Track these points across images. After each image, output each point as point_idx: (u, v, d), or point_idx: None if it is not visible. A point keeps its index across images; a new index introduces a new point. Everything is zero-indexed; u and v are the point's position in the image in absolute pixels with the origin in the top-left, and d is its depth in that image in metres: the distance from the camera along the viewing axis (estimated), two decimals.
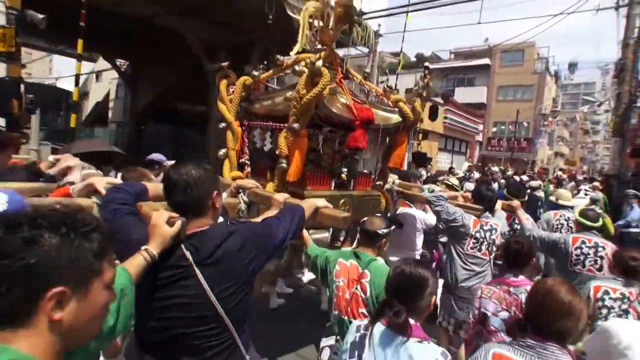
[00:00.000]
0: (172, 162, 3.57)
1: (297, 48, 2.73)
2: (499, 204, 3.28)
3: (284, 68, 2.82)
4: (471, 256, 3.07)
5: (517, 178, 11.27)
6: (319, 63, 2.42)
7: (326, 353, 2.12)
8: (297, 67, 2.64)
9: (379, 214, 2.86)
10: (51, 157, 2.43)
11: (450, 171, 10.11)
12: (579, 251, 3.02)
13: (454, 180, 4.90)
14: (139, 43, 19.62)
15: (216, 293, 1.29)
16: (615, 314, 2.18)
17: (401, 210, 3.65)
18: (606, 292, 2.24)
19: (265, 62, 17.84)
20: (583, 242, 3.03)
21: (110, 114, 28.58)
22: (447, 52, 31.08)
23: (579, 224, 3.24)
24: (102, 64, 25.60)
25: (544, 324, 1.34)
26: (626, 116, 10.56)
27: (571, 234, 3.26)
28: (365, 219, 2.34)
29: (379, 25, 13.93)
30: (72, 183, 2.11)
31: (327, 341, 2.15)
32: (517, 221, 3.53)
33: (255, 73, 2.83)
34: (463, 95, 25.97)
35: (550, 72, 28.95)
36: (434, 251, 4.22)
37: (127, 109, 25.01)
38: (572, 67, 32.96)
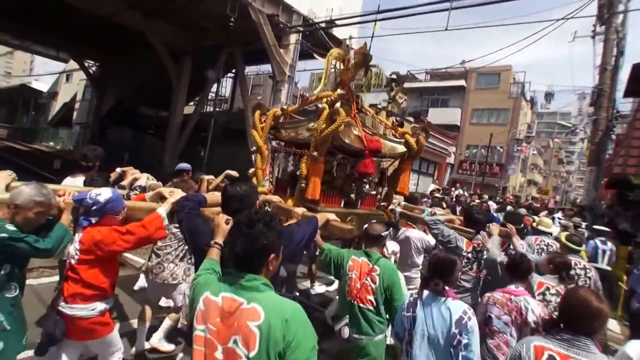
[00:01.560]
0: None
1: (320, 87, 3.39)
2: (496, 229, 3.76)
3: (308, 103, 3.44)
4: (463, 273, 3.53)
5: (492, 203, 10.99)
6: (338, 105, 3.07)
7: (346, 330, 2.72)
8: (319, 104, 3.27)
9: (375, 220, 3.36)
10: (118, 169, 3.10)
11: (432, 194, 10.63)
12: (572, 272, 3.58)
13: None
14: (107, 45, 19.76)
15: None
16: (553, 307, 2.87)
17: (403, 230, 4.22)
18: (547, 289, 3.04)
19: (234, 71, 18.12)
20: (576, 264, 3.66)
21: (75, 115, 28.26)
22: (423, 73, 32.37)
23: (565, 248, 3.82)
24: (73, 64, 25.44)
25: (578, 324, 1.81)
26: (603, 144, 10.58)
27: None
28: (366, 225, 2.99)
29: (350, 37, 14.59)
30: (141, 186, 2.96)
31: (343, 321, 2.76)
32: (511, 247, 3.91)
33: (284, 107, 3.45)
34: (436, 116, 26.72)
35: (526, 97, 29.65)
36: None
37: (91, 111, 24.86)
38: (549, 96, 34.15)
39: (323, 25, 12.73)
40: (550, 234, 4.97)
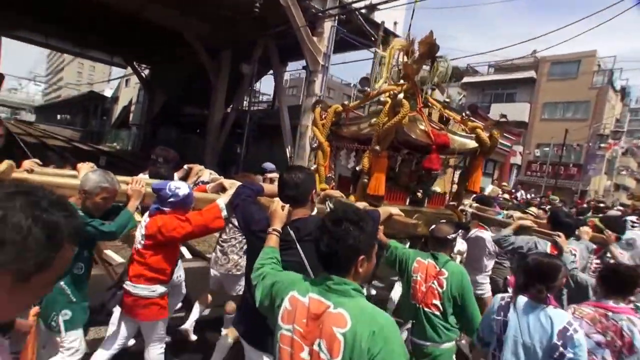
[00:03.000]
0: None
1: (382, 81, 3.43)
2: (587, 234, 3.50)
3: (369, 98, 3.50)
4: None
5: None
6: (401, 96, 3.09)
7: (404, 334, 2.72)
8: (381, 98, 3.32)
9: (444, 220, 3.32)
10: (185, 166, 3.51)
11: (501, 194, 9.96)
12: None
13: (534, 210, 5.30)
14: (152, 47, 21.20)
15: (310, 262, 1.91)
16: None
17: (474, 231, 4.08)
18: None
19: (272, 71, 18.17)
20: None
21: (131, 117, 30.92)
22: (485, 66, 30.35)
23: None
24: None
25: None
26: None
27: None
28: (433, 226, 2.94)
29: (395, 23, 13.84)
30: (204, 181, 3.25)
31: (404, 325, 2.77)
32: (608, 255, 3.62)
33: (345, 103, 3.54)
34: (500, 112, 25.02)
35: (614, 87, 26.28)
36: (508, 277, 4.16)
37: (144, 112, 26.93)
38: None
39: (359, 6, 12.09)
40: None
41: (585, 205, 13.50)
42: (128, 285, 2.67)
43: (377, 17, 13.05)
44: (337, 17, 12.49)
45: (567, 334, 1.99)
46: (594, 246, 3.50)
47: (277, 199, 2.11)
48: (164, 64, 23.02)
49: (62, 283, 2.37)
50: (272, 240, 1.90)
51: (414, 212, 3.36)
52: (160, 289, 2.69)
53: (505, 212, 4.10)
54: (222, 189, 2.84)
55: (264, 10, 11.19)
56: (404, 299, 2.97)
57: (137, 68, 26.19)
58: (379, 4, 11.93)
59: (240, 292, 3.67)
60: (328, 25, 12.43)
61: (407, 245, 3.78)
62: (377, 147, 3.14)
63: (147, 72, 26.58)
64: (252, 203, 2.32)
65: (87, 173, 2.42)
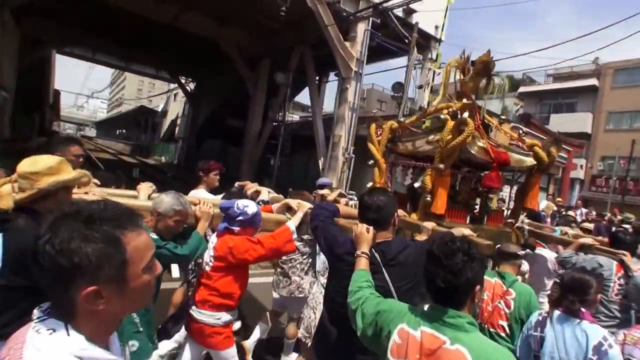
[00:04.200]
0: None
1: (439, 99, 3.59)
2: None
3: (427, 115, 3.66)
4: (616, 302, 3.29)
5: None
6: (466, 115, 3.21)
7: None
8: (441, 116, 3.46)
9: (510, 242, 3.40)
10: (237, 184, 3.66)
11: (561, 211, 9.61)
12: None
13: (588, 226, 5.21)
14: (196, 60, 22.33)
15: (395, 286, 1.98)
16: None
17: None
18: None
19: (317, 78, 18.20)
20: None
21: (177, 131, 32.72)
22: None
23: None
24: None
25: None
26: None
27: None
28: (499, 245, 3.00)
29: (436, 27, 13.55)
30: (264, 201, 3.29)
31: None
32: None
33: (401, 119, 3.71)
34: (560, 123, 23.91)
35: None
36: None
37: (188, 125, 28.35)
38: None
39: (393, 5, 11.65)
40: None
41: None
42: (193, 311, 2.63)
43: (415, 21, 12.71)
44: (370, 20, 12.03)
45: (601, 349, 2.05)
46: None
47: (360, 223, 2.13)
48: (207, 77, 24.14)
49: None
50: (363, 263, 1.94)
51: (476, 229, 3.42)
52: (225, 317, 2.64)
53: (560, 228, 4.09)
54: (287, 208, 2.92)
55: (296, 15, 11.18)
56: None
57: (183, 82, 27.70)
58: (411, 2, 11.53)
59: (303, 314, 3.78)
60: (361, 30, 11.99)
61: None
62: (441, 166, 3.23)
63: (192, 85, 28.09)
64: (331, 224, 2.38)
65: (161, 195, 2.47)
